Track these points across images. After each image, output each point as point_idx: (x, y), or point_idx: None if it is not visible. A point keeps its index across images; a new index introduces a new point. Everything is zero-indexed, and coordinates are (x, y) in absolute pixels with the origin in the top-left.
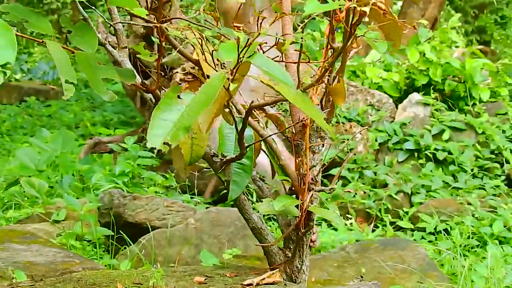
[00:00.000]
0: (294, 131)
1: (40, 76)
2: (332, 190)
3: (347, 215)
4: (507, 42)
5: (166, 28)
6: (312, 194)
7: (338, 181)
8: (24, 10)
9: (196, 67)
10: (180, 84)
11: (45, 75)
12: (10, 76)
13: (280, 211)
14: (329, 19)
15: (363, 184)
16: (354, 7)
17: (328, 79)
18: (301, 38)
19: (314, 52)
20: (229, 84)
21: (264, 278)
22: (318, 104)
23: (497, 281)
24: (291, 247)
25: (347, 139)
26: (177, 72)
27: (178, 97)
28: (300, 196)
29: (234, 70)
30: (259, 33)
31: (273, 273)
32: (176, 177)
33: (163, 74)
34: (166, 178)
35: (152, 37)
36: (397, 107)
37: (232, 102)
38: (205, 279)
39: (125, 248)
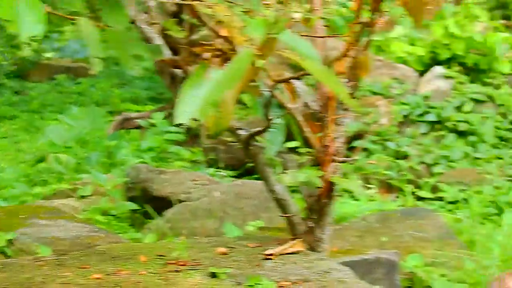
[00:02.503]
0: (319, 104)
1: (71, 54)
2: (354, 160)
3: (369, 185)
4: None
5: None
6: (335, 165)
7: (364, 152)
8: None
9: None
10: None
11: (75, 53)
12: (41, 55)
13: (304, 182)
14: None
15: (386, 155)
16: None
17: (354, 53)
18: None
19: (341, 28)
20: (256, 60)
21: (285, 248)
22: (344, 75)
23: None
24: (314, 218)
25: (371, 112)
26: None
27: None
28: (323, 167)
29: (263, 47)
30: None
31: (294, 243)
32: (203, 151)
33: (192, 50)
34: (192, 152)
35: (182, 15)
36: None
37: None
38: (227, 250)
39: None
